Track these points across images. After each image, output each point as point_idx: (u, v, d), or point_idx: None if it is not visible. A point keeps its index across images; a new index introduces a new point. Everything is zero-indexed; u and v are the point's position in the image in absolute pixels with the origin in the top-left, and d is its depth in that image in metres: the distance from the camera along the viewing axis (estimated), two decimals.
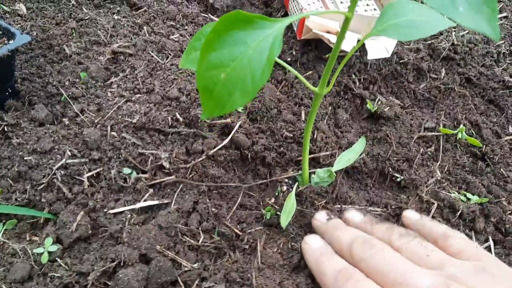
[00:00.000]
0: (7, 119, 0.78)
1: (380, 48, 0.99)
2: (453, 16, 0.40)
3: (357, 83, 1.02)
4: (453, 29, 1.19)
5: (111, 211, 0.74)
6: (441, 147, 0.93)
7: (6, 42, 0.77)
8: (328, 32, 0.96)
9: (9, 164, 0.73)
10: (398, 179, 0.86)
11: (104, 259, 0.68)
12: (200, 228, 0.74)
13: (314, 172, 0.83)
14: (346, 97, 1.00)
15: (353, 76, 1.02)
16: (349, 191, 0.85)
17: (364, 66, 1.03)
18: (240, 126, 0.86)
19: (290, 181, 0.84)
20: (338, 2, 1.09)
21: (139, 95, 0.85)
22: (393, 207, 0.81)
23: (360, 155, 0.85)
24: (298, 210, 0.78)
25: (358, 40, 0.98)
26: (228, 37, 0.54)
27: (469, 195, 0.84)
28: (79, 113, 0.81)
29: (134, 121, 0.80)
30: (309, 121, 0.72)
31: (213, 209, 0.76)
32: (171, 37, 0.98)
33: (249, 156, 0.85)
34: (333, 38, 0.94)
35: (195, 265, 0.71)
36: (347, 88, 1.00)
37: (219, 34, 0.54)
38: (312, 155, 0.86)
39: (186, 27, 1.02)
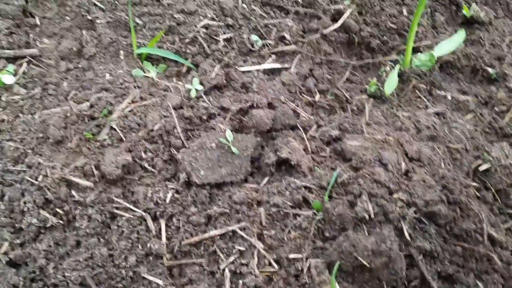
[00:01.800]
0: None
1: None
2: None
3: None
4: None
5: (241, 69, 0.87)
6: None
7: None
8: None
9: (161, 19, 0.87)
10: (491, 72, 0.94)
11: (239, 101, 0.82)
12: (316, 89, 0.87)
13: (415, 57, 0.93)
14: (443, 2, 1.08)
15: None
16: (442, 80, 0.95)
17: None
18: (350, 14, 0.96)
19: (392, 64, 0.95)
20: None
21: None
22: (482, 96, 0.91)
23: (458, 45, 0.94)
24: (399, 86, 0.89)
25: None
26: None
27: None
28: None
29: None
30: (419, 8, 0.81)
31: (327, 76, 0.89)
32: None
33: (355, 40, 0.96)
34: None
35: (312, 116, 0.84)
36: None
37: None
38: (413, 45, 0.96)
39: None
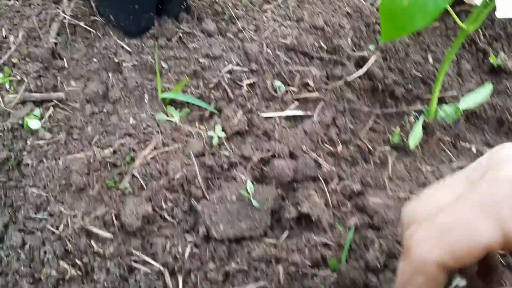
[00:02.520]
0: (183, 28, 0.92)
1: (510, 8, 1.04)
2: None
3: (482, 38, 1.08)
4: None
5: (263, 115, 0.87)
6: None
7: None
8: None
9: (186, 63, 0.88)
10: None
11: (260, 149, 0.82)
12: (338, 138, 0.86)
13: (440, 108, 0.91)
14: (469, 49, 1.07)
15: (479, 30, 1.08)
16: (467, 131, 0.93)
17: (490, 23, 1.09)
18: (375, 61, 0.96)
19: (416, 114, 0.94)
20: None
21: (289, 21, 0.97)
22: None
23: (485, 99, 0.92)
24: (422, 138, 0.88)
25: None
26: None
27: None
28: (241, 30, 0.93)
29: (287, 42, 0.92)
30: (449, 55, 0.80)
31: (350, 126, 0.88)
32: None
33: (379, 88, 0.95)
34: None
35: (333, 168, 0.83)
36: (471, 40, 1.07)
37: None
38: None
39: None
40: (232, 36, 0.93)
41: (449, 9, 0.72)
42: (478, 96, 0.91)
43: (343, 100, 0.92)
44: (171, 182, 0.76)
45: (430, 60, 1.01)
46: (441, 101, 0.96)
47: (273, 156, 0.81)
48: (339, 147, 0.86)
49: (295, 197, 0.78)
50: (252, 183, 0.77)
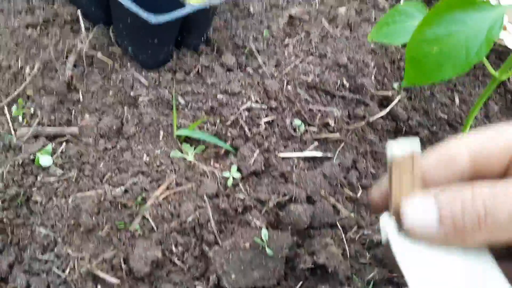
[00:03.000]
0: (202, 61, 0.90)
1: None
2: None
3: (511, 80, 1.04)
4: None
5: (281, 155, 0.84)
6: None
7: None
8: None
9: (204, 99, 0.85)
10: None
11: (276, 193, 0.78)
12: (359, 183, 0.83)
13: None
14: (498, 90, 1.02)
15: (508, 71, 1.04)
16: None
17: None
18: (399, 101, 0.92)
19: None
20: None
21: (312, 57, 0.94)
22: None
23: None
24: None
25: None
26: (448, 15, 0.60)
27: None
28: (262, 65, 0.91)
29: (309, 80, 0.89)
30: (478, 102, 0.77)
31: (371, 170, 0.84)
32: (340, 9, 1.05)
33: (403, 129, 0.92)
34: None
35: (352, 214, 0.79)
36: (500, 83, 1.03)
37: (439, 12, 0.60)
38: None
39: (351, 3, 1.09)
40: (251, 71, 0.90)
41: (484, 60, 0.69)
42: None
43: (364, 142, 0.88)
44: (183, 225, 0.73)
45: (457, 101, 0.97)
46: None
47: (290, 200, 0.78)
48: (359, 193, 0.82)
49: (311, 245, 0.75)
50: (268, 228, 0.74)
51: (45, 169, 0.74)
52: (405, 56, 0.62)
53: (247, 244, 0.71)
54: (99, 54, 0.85)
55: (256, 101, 0.87)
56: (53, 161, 0.74)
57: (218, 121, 0.84)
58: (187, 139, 0.84)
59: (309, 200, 0.79)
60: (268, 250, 0.71)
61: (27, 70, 0.80)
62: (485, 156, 0.32)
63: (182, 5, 0.84)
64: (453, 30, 0.60)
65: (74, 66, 0.83)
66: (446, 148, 0.33)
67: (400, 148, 0.35)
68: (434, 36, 0.61)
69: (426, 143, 0.92)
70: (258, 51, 0.93)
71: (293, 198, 0.78)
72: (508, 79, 1.04)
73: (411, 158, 0.34)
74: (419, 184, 0.34)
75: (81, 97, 0.81)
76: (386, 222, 0.35)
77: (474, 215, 0.29)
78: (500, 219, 0.28)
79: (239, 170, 0.81)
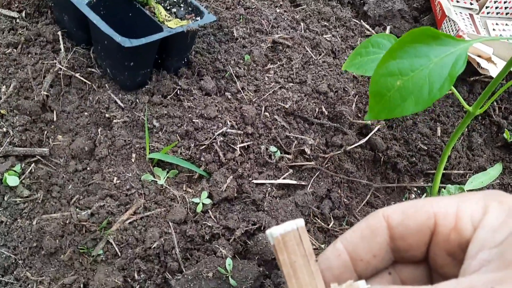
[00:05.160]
0: (181, 84, 0.89)
1: None
2: None
3: (497, 111, 1.02)
4: None
5: (255, 181, 0.83)
6: None
7: (194, 18, 0.88)
8: (479, 56, 0.98)
9: (179, 122, 0.85)
10: None
11: (246, 220, 0.77)
12: (331, 214, 0.81)
13: (444, 187, 0.86)
14: (483, 122, 1.01)
15: (494, 103, 1.02)
16: None
17: (507, 96, 1.03)
18: (378, 130, 0.91)
19: (418, 191, 0.88)
20: (491, 29, 1.09)
21: (292, 84, 0.94)
22: None
23: (493, 180, 0.87)
24: None
25: None
26: (411, 49, 0.59)
27: None
28: (240, 90, 0.91)
29: (287, 106, 0.89)
30: (453, 137, 0.75)
31: (345, 200, 0.83)
32: (324, 36, 1.05)
33: (381, 159, 0.90)
34: (483, 63, 0.96)
35: (323, 246, 0.78)
36: (485, 114, 1.01)
37: (403, 45, 0.59)
38: (444, 171, 0.89)
39: (337, 29, 1.09)
40: (230, 96, 0.90)
41: (455, 91, 0.68)
42: (486, 177, 0.85)
43: (341, 171, 0.87)
44: (147, 251, 0.72)
45: (439, 132, 0.96)
46: (447, 177, 0.90)
47: (259, 229, 0.77)
48: (331, 224, 0.81)
49: (278, 276, 0.73)
50: (234, 257, 0.73)
51: (12, 189, 0.74)
52: (369, 89, 0.61)
53: (210, 274, 0.70)
54: (78, 75, 0.86)
55: (232, 126, 0.86)
56: (21, 181, 0.74)
57: (192, 145, 0.84)
58: (160, 163, 0.83)
59: None
60: (231, 281, 0.70)
61: (3, 89, 0.81)
62: (404, 232, 0.31)
63: (160, 28, 0.84)
64: (416, 65, 0.59)
65: (51, 86, 0.83)
66: (366, 222, 0.32)
67: (281, 228, 0.29)
68: (397, 70, 0.59)
69: (404, 174, 0.90)
70: (238, 76, 0.93)
71: (262, 227, 0.77)
72: (494, 109, 1.03)
73: (297, 234, 0.29)
74: (317, 270, 0.29)
75: (55, 117, 0.81)
76: None
77: None
78: None
79: (210, 196, 0.80)
